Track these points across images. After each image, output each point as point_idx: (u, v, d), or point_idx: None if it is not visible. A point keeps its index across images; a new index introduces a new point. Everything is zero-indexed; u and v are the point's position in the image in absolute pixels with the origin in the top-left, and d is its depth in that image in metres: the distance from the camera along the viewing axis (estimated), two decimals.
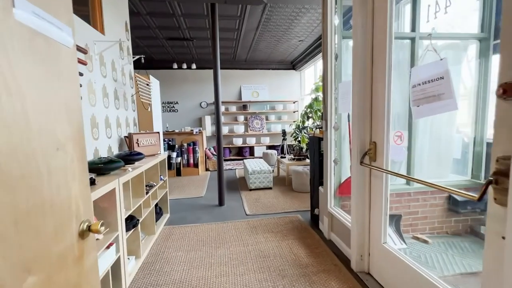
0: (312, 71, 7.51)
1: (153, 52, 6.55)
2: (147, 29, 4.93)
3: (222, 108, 7.64)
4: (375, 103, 1.76)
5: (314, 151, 2.84)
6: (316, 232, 2.69)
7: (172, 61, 6.83)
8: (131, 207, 1.97)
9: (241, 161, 7.32)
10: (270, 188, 4.36)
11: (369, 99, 1.80)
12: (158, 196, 2.80)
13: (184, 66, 6.79)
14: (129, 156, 2.29)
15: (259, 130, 7.94)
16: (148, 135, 2.94)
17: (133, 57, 3.00)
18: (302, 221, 2.98)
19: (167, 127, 6.18)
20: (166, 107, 7.70)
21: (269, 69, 8.02)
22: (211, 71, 7.78)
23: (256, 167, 4.55)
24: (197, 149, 5.84)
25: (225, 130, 7.68)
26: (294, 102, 8.15)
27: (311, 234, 2.65)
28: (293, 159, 4.74)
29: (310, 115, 5.86)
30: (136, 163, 2.37)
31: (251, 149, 7.92)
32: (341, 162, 2.50)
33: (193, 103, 7.78)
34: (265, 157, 6.72)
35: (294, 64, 7.93)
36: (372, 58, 1.76)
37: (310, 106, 5.57)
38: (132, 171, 2.04)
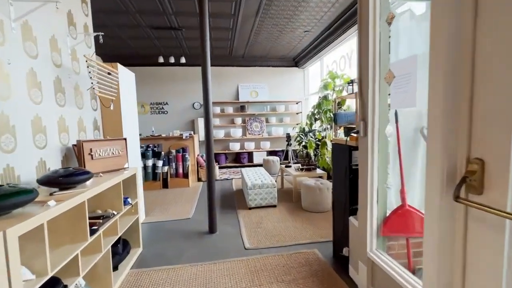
0: (317, 68, 6.75)
1: (139, 47, 5.74)
2: (125, 14, 4.12)
3: (217, 109, 6.84)
4: (481, 89, 0.96)
5: (342, 164, 2.04)
6: (345, 281, 1.88)
7: (158, 55, 6.00)
8: (47, 270, 1.15)
9: (239, 169, 6.51)
10: (274, 206, 3.55)
11: (469, 84, 1.00)
12: (120, 230, 1.98)
13: (172, 60, 5.97)
14: (65, 178, 1.47)
15: (259, 134, 7.14)
16: (108, 143, 2.12)
17: (87, 34, 2.19)
18: (322, 261, 2.17)
19: (152, 131, 5.36)
20: (155, 108, 6.88)
21: (269, 66, 7.25)
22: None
23: (256, 179, 3.74)
24: (187, 156, 5.02)
25: (220, 133, 6.88)
26: (297, 103, 7.38)
27: (339, 286, 1.84)
28: (301, 169, 3.94)
29: (318, 116, 5.08)
30: (79, 187, 1.56)
31: (250, 155, 7.11)
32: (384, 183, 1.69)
33: (184, 104, 6.98)
34: (265, 164, 5.91)
35: (297, 61, 7.17)
36: None
37: (318, 106, 4.79)
38: (56, 205, 1.22)
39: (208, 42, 2.74)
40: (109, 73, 2.24)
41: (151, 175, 4.81)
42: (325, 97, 4.78)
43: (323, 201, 3.23)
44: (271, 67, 7.28)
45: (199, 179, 5.45)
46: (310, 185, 3.28)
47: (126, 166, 2.27)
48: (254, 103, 7.21)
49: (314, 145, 4.88)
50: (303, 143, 6.09)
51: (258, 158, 6.95)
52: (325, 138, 4.87)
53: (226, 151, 6.89)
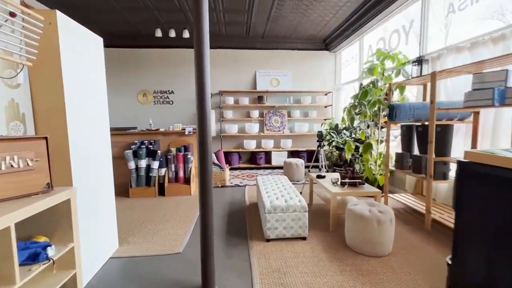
0: (354, 50, 5.45)
1: (139, 21, 4.76)
2: None
3: (230, 100, 5.76)
4: None
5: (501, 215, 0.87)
6: None
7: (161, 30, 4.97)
8: None
9: (254, 172, 5.44)
10: (304, 239, 2.42)
11: None
12: None
13: (173, 33, 4.92)
14: None
15: (279, 130, 6.00)
16: (2, 147, 1.10)
17: None
18: None
19: (149, 124, 4.40)
20: (158, 97, 5.93)
21: (293, 49, 6.04)
22: (218, 50, 5.91)
23: (277, 195, 2.63)
24: (189, 156, 4.01)
25: (233, 128, 5.81)
26: (326, 94, 6.13)
27: None
28: (344, 184, 2.77)
29: (359, 110, 3.84)
30: None
31: (268, 155, 6.00)
32: None
33: (193, 93, 5.97)
34: (287, 168, 4.77)
35: (328, 43, 5.90)
36: None
37: (363, 95, 3.54)
38: None
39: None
40: (12, 15, 1.20)
41: (144, 179, 3.86)
42: (372, 84, 3.54)
43: (383, 239, 2.06)
44: (296, 50, 6.07)
45: None
46: (363, 214, 2.11)
47: (45, 187, 1.25)
48: (275, 93, 6.06)
49: (353, 147, 3.67)
50: (334, 143, 4.89)
51: (277, 159, 5.83)
52: (370, 138, 3.64)
53: (240, 150, 5.82)
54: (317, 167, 5.35)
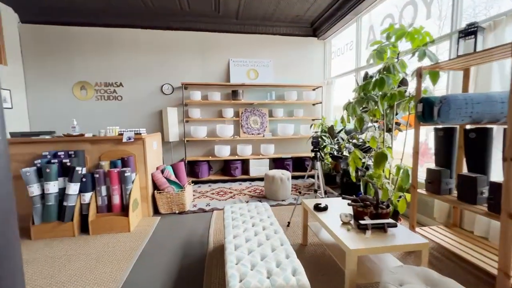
0: (349, 36, 4.47)
1: None
2: None
3: (197, 95, 4.54)
4: None
5: None
6: None
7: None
8: None
9: (227, 186, 4.27)
10: None
11: None
12: None
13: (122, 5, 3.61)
14: None
15: (259, 133, 4.88)
16: None
17: None
18: None
19: (73, 127, 3.06)
20: (102, 91, 4.56)
21: (275, 33, 4.95)
22: (180, 33, 4.66)
23: (252, 255, 1.50)
24: (128, 174, 2.76)
25: (200, 131, 4.60)
26: (314, 89, 5.11)
27: None
28: (364, 228, 1.67)
29: (364, 107, 2.81)
30: None
31: (245, 164, 4.87)
32: None
33: (148, 86, 4.67)
34: (268, 184, 3.66)
35: (316, 27, 4.88)
36: None
37: (378, 85, 2.49)
38: None
39: None
40: None
41: (54, 211, 2.55)
42: (387, 70, 2.51)
43: None
44: (278, 36, 4.98)
45: (156, 212, 3.20)
46: None
47: None
48: (253, 88, 4.94)
49: (360, 158, 2.63)
50: (326, 150, 3.87)
51: (257, 169, 4.71)
52: (383, 146, 2.62)
53: (210, 158, 4.62)
54: (303, 178, 4.29)
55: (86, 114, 4.51)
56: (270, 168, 4.90)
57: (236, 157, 4.64)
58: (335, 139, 3.90)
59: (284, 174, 3.65)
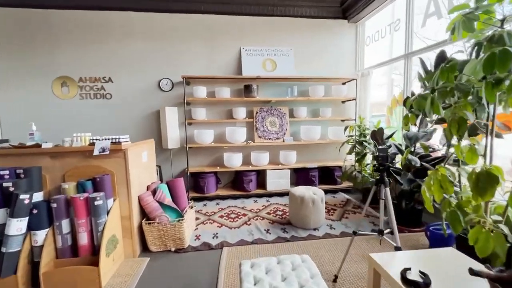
0: (389, 17, 3.53)
1: None
2: None
3: (202, 91, 3.68)
4: None
5: None
6: None
7: None
8: None
9: (240, 203, 3.38)
10: None
11: None
12: None
13: None
14: None
15: (277, 138, 3.98)
16: None
17: None
18: None
19: (30, 135, 2.21)
20: (88, 88, 3.77)
21: (296, 16, 4.05)
22: (182, 16, 3.71)
23: None
24: (100, 202, 1.91)
25: (207, 136, 3.73)
26: (344, 83, 4.18)
27: None
28: None
29: (448, 102, 1.87)
30: None
31: (261, 175, 3.99)
32: None
33: (144, 82, 3.85)
34: (294, 208, 2.74)
35: (347, 7, 3.95)
36: None
37: (490, 60, 1.55)
38: None
39: None
40: None
41: None
42: (497, 41, 1.57)
43: None
44: (300, 18, 4.08)
45: (145, 249, 2.34)
46: None
47: None
48: (270, 82, 4.05)
49: (451, 179, 1.69)
50: (369, 161, 2.96)
51: (275, 182, 3.81)
52: (483, 159, 1.68)
53: (218, 169, 3.75)
54: (333, 192, 3.18)
55: (67, 116, 3.72)
56: (292, 181, 3.99)
57: (250, 168, 3.75)
58: (380, 146, 2.96)
59: (316, 194, 2.74)
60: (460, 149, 1.72)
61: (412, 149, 2.49)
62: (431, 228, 2.22)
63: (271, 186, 3.80)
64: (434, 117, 2.35)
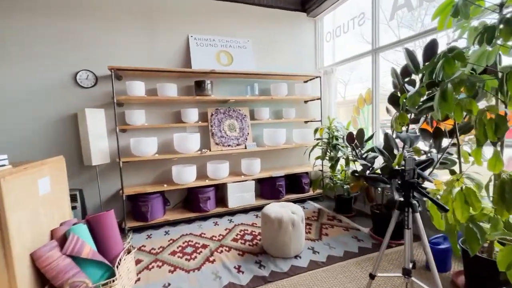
0: (352, 11, 3.32)
1: None
2: None
3: (139, 88, 2.81)
4: None
5: None
6: None
7: None
8: None
9: (197, 230, 2.64)
10: None
11: None
12: None
13: None
14: None
15: (238, 144, 3.36)
16: None
17: None
18: None
19: None
20: None
21: (254, 3, 3.53)
22: None
23: None
24: None
25: (148, 146, 2.86)
26: (306, 81, 3.83)
27: None
28: None
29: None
30: None
31: (220, 191, 3.32)
32: None
33: (53, 74, 2.76)
34: (272, 232, 2.17)
35: (305, 0, 3.63)
36: None
37: (460, 58, 1.25)
38: None
39: None
40: None
41: None
42: (508, 22, 1.31)
43: None
44: (258, 7, 3.58)
45: None
46: None
47: None
48: (226, 78, 3.42)
49: (477, 195, 1.38)
50: (339, 164, 2.65)
51: (238, 196, 3.20)
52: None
53: (165, 187, 2.92)
54: (301, 202, 2.70)
55: None
56: (257, 193, 3.43)
57: (207, 182, 3.05)
58: (358, 149, 2.65)
59: (295, 213, 2.23)
60: (480, 155, 1.42)
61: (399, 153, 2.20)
62: (430, 243, 1.94)
63: (233, 202, 3.17)
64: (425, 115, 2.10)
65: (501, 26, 1.40)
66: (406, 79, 2.37)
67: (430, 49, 1.89)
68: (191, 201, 3.10)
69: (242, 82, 3.49)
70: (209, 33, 3.33)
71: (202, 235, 2.65)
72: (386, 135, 2.46)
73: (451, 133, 1.99)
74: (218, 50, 3.32)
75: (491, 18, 1.80)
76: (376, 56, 2.99)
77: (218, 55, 3.31)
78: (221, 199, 3.35)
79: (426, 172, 2.07)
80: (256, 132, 3.60)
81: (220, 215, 3.13)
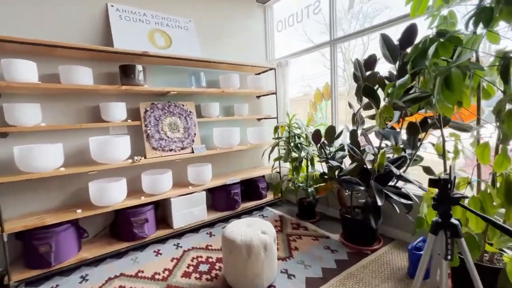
0: (299, 1, 3.08)
1: None
2: None
3: (32, 71, 1.87)
4: None
5: None
6: None
7: None
8: None
9: (128, 269, 1.91)
10: None
11: None
12: None
13: None
14: None
15: (183, 147, 2.69)
16: None
17: None
18: None
19: None
20: None
21: None
22: None
23: None
24: None
25: (47, 156, 1.95)
26: (258, 74, 3.43)
27: None
28: None
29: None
30: None
31: (161, 209, 2.62)
32: None
33: None
34: (237, 261, 1.65)
35: None
36: None
37: (457, 41, 1.07)
38: None
39: None
40: None
41: None
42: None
43: None
44: None
45: None
46: None
47: None
48: (164, 64, 2.71)
49: (488, 201, 1.18)
50: (313, 171, 2.38)
51: (186, 213, 2.56)
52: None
53: (78, 214, 2.06)
54: (259, 210, 2.30)
55: None
56: (209, 206, 2.83)
57: (143, 200, 2.31)
58: (326, 148, 2.38)
59: (266, 233, 1.78)
60: (488, 152, 1.24)
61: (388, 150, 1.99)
62: (413, 248, 1.76)
63: (179, 221, 2.51)
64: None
65: (500, 5, 1.24)
66: (368, 72, 2.20)
67: (409, 34, 1.70)
68: (121, 227, 2.30)
69: (185, 70, 2.84)
70: (138, 5, 2.56)
71: (140, 274, 1.94)
72: (352, 132, 2.25)
73: (423, 128, 1.86)
74: (151, 29, 2.59)
75: (467, 4, 1.72)
76: (334, 47, 2.79)
77: (152, 35, 2.58)
78: (163, 219, 2.65)
79: (401, 171, 1.91)
80: (205, 132, 3.00)
81: (163, 240, 2.44)
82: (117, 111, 2.27)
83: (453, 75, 1.21)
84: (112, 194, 2.14)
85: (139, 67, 2.33)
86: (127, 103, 2.48)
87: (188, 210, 2.57)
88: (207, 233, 2.57)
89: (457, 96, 1.22)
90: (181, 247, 2.33)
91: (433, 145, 1.77)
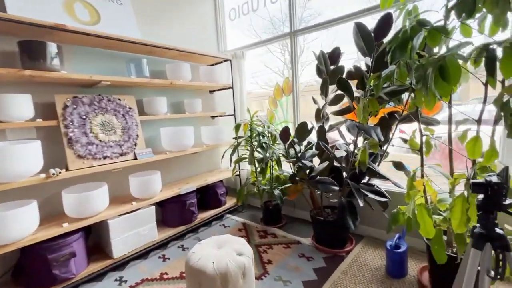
0: None
1: None
2: None
3: None
4: None
5: None
6: None
7: None
8: None
9: None
10: None
11: None
12: None
13: None
14: None
15: (122, 153, 2.11)
16: None
17: None
18: None
19: None
20: None
21: None
22: None
23: None
24: None
25: None
26: (211, 65, 3.03)
27: None
28: None
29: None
30: None
31: (95, 236, 2.00)
32: None
33: None
34: None
35: None
36: None
37: (444, 31, 1.02)
38: None
39: None
40: None
41: None
42: None
43: None
44: None
45: None
46: None
47: None
48: (90, 45, 2.08)
49: (473, 205, 1.13)
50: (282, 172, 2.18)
51: (129, 237, 2.02)
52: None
53: None
54: (218, 219, 1.98)
55: None
56: (160, 223, 2.31)
57: (65, 227, 1.70)
58: (295, 146, 2.19)
59: (243, 254, 1.46)
60: (480, 147, 1.20)
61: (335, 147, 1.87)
62: (392, 247, 1.71)
63: (121, 248, 1.96)
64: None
65: None
66: (332, 66, 2.11)
67: (385, 23, 1.61)
68: (31, 270, 1.64)
69: (121, 56, 2.25)
70: None
71: None
72: (320, 128, 2.12)
73: (392, 123, 1.84)
74: None
75: None
76: (295, 39, 2.63)
77: (71, 5, 1.93)
78: (98, 248, 2.04)
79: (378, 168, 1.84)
80: (150, 133, 2.47)
81: (99, 277, 1.86)
82: (17, 107, 1.59)
83: (450, 64, 1.12)
84: (13, 226, 1.48)
85: (52, 46, 1.69)
86: (35, 95, 1.80)
87: (133, 231, 2.04)
88: (160, 257, 2.09)
89: (452, 87, 1.14)
90: (125, 282, 1.80)
91: (405, 141, 1.74)
